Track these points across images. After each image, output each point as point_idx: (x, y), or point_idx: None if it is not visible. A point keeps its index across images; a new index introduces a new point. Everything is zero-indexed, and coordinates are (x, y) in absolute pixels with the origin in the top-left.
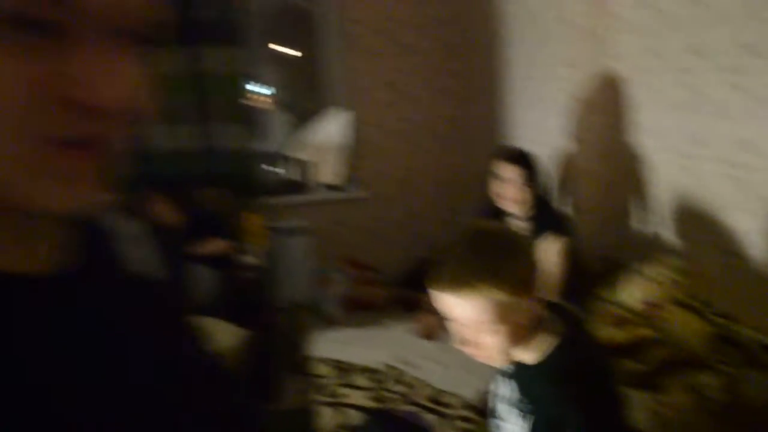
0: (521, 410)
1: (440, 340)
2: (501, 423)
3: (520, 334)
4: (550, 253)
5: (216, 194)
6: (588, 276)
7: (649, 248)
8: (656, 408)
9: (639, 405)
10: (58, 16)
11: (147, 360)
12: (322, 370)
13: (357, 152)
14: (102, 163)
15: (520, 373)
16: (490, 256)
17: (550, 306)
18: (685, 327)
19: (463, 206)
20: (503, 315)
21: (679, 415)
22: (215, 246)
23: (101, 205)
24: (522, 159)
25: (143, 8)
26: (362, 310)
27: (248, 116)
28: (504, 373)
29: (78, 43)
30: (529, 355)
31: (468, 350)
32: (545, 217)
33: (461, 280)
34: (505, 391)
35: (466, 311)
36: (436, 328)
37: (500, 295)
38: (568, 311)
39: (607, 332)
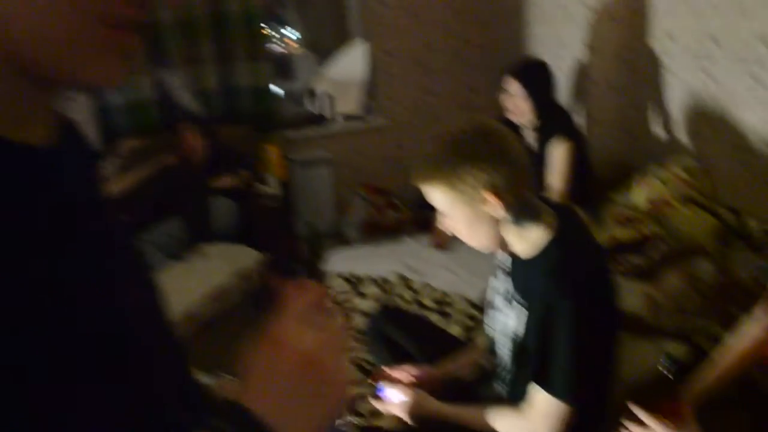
0: (514, 304)
1: (452, 249)
2: (497, 314)
3: (490, 232)
4: (557, 157)
5: (238, 130)
6: (599, 181)
7: (661, 150)
8: (652, 294)
9: (637, 293)
10: None
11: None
12: (336, 283)
13: (376, 82)
14: (135, 44)
15: (515, 267)
16: (455, 155)
17: (549, 203)
18: (691, 222)
19: None
20: (460, 210)
21: (672, 298)
22: (234, 179)
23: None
24: (523, 72)
25: None
26: (381, 233)
27: (268, 54)
28: (503, 269)
29: None
30: (524, 250)
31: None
32: (552, 124)
33: (422, 174)
34: (502, 285)
35: (435, 202)
36: (449, 238)
37: (455, 193)
38: (567, 208)
39: (615, 231)
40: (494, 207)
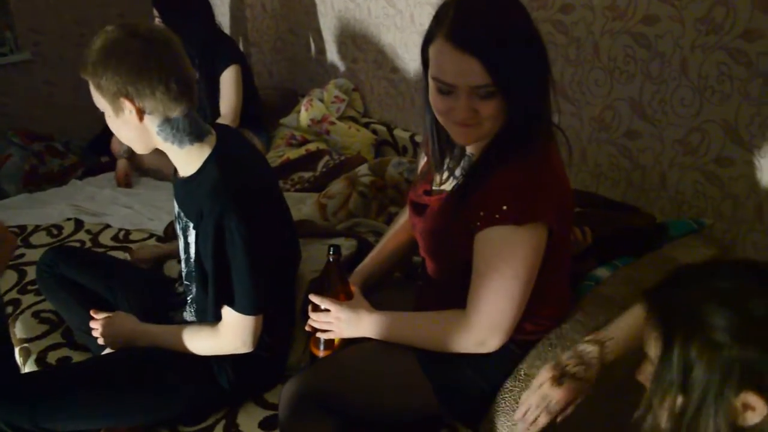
0: (182, 224)
1: (135, 185)
2: (179, 241)
3: (137, 139)
4: (225, 82)
5: None
6: (270, 107)
7: (320, 74)
8: (320, 200)
9: (309, 203)
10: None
11: None
12: None
13: (14, 11)
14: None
15: (178, 188)
16: (100, 55)
17: (212, 125)
18: (349, 136)
19: None
20: (107, 110)
21: (339, 202)
22: None
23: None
24: (157, 2)
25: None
26: (46, 183)
27: None
28: (174, 193)
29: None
30: (185, 169)
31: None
32: (215, 51)
33: (80, 67)
34: (175, 208)
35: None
36: (131, 173)
37: (100, 92)
38: (229, 128)
39: (287, 152)
40: (133, 115)
